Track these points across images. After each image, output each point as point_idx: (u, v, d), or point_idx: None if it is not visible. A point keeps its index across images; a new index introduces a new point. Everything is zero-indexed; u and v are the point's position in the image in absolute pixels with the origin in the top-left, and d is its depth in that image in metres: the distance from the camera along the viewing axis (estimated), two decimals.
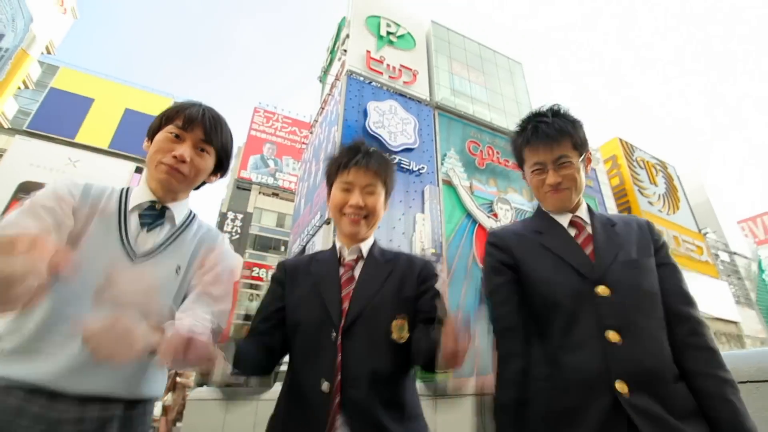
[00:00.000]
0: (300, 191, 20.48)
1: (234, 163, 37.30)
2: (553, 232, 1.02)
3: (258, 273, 31.61)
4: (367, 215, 1.10)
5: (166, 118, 1.13)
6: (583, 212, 1.05)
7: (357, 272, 1.07)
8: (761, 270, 31.86)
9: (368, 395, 0.87)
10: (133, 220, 1.04)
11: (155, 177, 1.07)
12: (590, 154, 1.10)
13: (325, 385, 0.88)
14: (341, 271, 1.07)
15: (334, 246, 1.14)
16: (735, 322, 22.79)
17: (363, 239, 1.13)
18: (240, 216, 31.50)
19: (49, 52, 17.80)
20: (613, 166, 25.32)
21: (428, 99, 17.79)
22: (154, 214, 1.07)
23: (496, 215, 14.90)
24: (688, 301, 0.94)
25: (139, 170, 33.65)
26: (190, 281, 1.07)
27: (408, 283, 1.03)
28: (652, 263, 0.95)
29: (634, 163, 25.63)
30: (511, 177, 18.29)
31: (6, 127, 19.40)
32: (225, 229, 30.03)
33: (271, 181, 35.02)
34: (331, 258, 1.10)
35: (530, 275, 0.97)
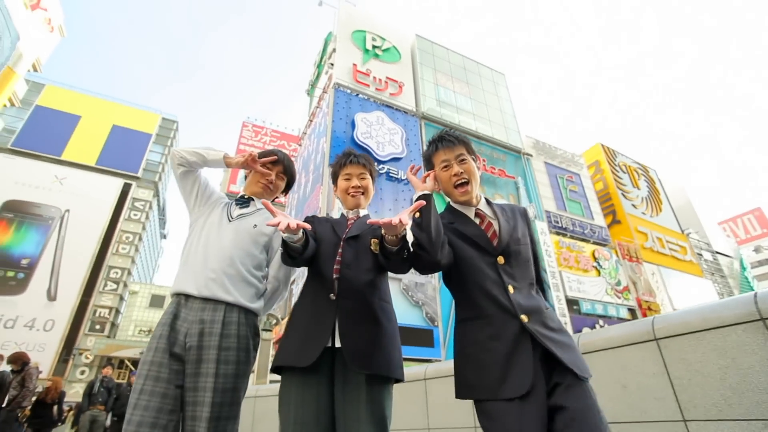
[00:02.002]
0: (290, 203, 20.59)
1: (223, 177, 37.24)
2: (463, 220, 1.48)
3: None
4: (363, 192, 1.75)
5: (263, 156, 1.90)
6: (482, 205, 1.52)
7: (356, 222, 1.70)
8: (743, 268, 32.70)
9: (354, 275, 1.48)
10: (233, 205, 1.83)
11: (251, 189, 1.89)
12: (479, 157, 1.59)
13: (335, 270, 1.48)
14: (348, 221, 1.70)
15: (342, 215, 1.77)
16: None
17: (360, 209, 1.76)
18: None
19: (35, 70, 17.75)
20: (596, 171, 25.97)
21: (414, 110, 18.19)
22: (244, 201, 1.86)
23: None
24: (539, 265, 1.51)
25: (127, 186, 33.40)
26: (266, 234, 1.77)
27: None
28: (527, 239, 1.47)
29: (617, 168, 26.33)
30: (498, 184, 18.67)
31: None
32: None
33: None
34: (341, 217, 1.75)
35: (453, 250, 1.41)
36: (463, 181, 1.47)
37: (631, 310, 19.09)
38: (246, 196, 1.86)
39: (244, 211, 1.80)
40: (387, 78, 18.33)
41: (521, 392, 1.14)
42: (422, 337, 11.93)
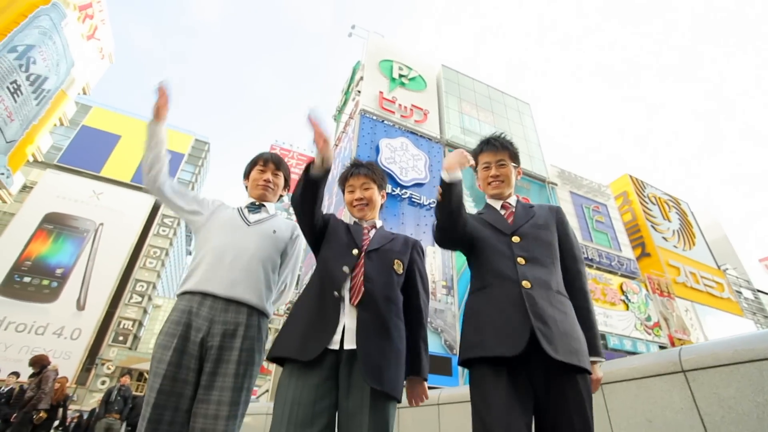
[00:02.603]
0: None
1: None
2: (490, 211, 1.63)
3: None
4: (367, 203, 1.72)
5: (253, 162, 1.97)
6: (511, 200, 1.66)
7: (372, 232, 1.65)
8: None
9: (376, 290, 1.44)
10: (245, 210, 1.83)
11: (255, 193, 1.90)
12: (520, 169, 1.70)
13: (345, 268, 1.46)
14: (363, 229, 1.65)
15: (355, 222, 1.71)
16: None
17: (371, 219, 1.71)
18: None
19: (84, 93, 19.13)
20: (624, 202, 25.26)
21: (439, 137, 18.39)
22: (256, 206, 1.87)
23: None
24: (574, 258, 1.53)
25: (158, 203, 34.77)
26: (284, 241, 1.83)
27: (405, 248, 1.65)
28: (552, 227, 1.55)
29: (646, 199, 25.53)
30: None
31: (40, 161, 20.59)
32: None
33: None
34: (355, 224, 1.70)
35: (473, 230, 1.54)
36: (498, 182, 1.63)
37: (663, 348, 18.06)
38: (256, 203, 1.89)
39: (260, 216, 1.82)
40: (412, 105, 18.70)
41: (515, 352, 1.19)
42: (440, 365, 11.61)
